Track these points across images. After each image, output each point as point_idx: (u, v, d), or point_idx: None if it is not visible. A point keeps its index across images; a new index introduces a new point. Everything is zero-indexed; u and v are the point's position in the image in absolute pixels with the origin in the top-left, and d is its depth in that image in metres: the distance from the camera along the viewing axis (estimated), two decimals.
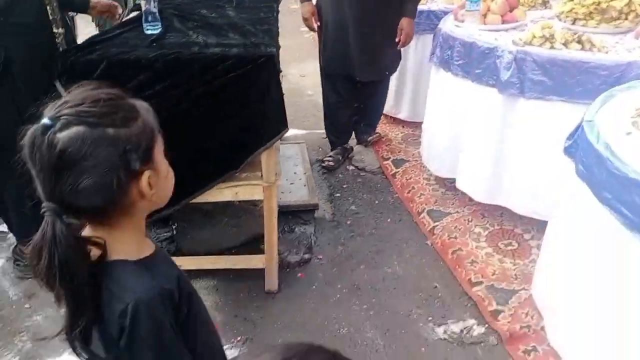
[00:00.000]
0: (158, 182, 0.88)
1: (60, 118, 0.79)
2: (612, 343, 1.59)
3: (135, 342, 0.84)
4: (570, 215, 1.85)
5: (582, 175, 1.69)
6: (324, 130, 3.56)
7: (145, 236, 0.96)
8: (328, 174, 3.37)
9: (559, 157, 2.08)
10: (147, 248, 0.93)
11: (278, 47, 2.10)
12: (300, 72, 5.01)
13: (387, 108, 3.82)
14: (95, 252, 0.84)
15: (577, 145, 1.77)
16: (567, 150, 1.85)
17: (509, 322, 2.10)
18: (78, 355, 0.87)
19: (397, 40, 3.01)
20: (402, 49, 3.18)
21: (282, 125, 2.04)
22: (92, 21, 3.69)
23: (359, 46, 3.00)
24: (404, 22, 2.97)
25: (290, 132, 2.46)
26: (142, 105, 0.88)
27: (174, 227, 2.59)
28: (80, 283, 0.81)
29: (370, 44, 3.00)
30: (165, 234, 2.66)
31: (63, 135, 0.78)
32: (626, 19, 2.46)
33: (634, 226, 1.43)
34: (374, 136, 3.61)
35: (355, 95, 3.33)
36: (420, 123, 3.72)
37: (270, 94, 1.94)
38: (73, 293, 0.81)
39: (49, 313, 2.26)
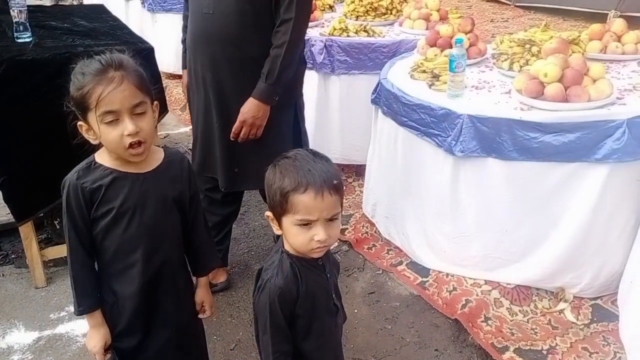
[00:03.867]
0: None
1: None
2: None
3: None
4: (380, 145, 2.69)
5: (386, 113, 2.53)
6: None
7: None
8: None
9: (364, 116, 2.96)
10: None
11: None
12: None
13: None
14: None
15: (380, 96, 2.60)
16: (373, 101, 2.68)
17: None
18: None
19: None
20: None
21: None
22: None
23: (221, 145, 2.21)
24: (245, 105, 2.08)
25: None
26: None
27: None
28: None
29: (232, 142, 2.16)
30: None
31: None
32: (391, 13, 3.47)
33: (421, 132, 2.29)
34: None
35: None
36: None
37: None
38: None
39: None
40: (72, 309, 1.55)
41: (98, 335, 1.39)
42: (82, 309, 1.37)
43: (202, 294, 1.57)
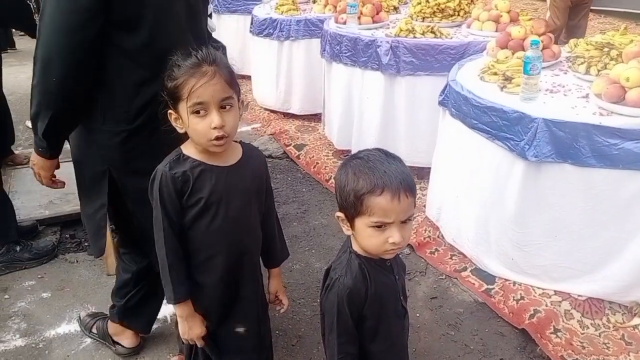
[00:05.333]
0: None
1: None
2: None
3: None
4: (447, 147, 2.64)
5: (455, 115, 2.49)
6: None
7: None
8: None
9: (429, 118, 2.92)
10: None
11: None
12: None
13: (279, 105, 4.49)
14: None
15: (448, 97, 2.57)
16: (441, 102, 2.64)
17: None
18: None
19: None
20: None
21: None
22: None
23: None
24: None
25: None
26: None
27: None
28: None
29: None
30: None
31: None
32: (459, 15, 3.41)
33: (492, 135, 2.23)
34: None
35: None
36: (310, 115, 4.45)
37: None
38: None
39: (29, 299, 2.48)
40: None
41: (198, 322, 1.44)
42: (179, 297, 1.40)
43: (276, 285, 1.61)
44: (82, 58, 1.50)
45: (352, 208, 1.19)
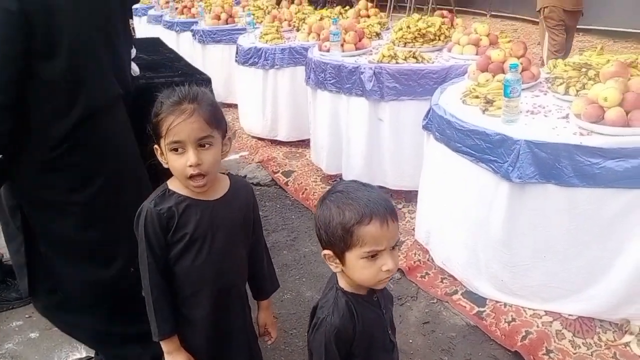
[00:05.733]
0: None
1: None
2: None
3: None
4: (433, 170, 2.67)
5: (439, 139, 2.51)
6: None
7: None
8: None
9: (414, 141, 2.95)
10: None
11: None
12: None
13: (266, 132, 4.52)
14: None
15: (431, 121, 2.60)
16: (425, 126, 2.67)
17: None
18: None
19: None
20: None
21: None
22: None
23: None
24: None
25: None
26: None
27: None
28: None
29: None
30: None
31: None
32: (439, 39, 3.47)
33: (476, 158, 2.26)
34: None
35: None
36: (298, 142, 4.47)
37: None
38: None
39: (17, 340, 2.44)
40: None
41: (184, 358, 1.42)
42: (164, 333, 1.39)
43: (264, 317, 1.60)
44: (8, 100, 1.49)
45: (342, 242, 1.18)
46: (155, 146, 1.38)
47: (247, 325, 1.55)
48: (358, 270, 1.20)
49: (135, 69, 2.03)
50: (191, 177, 1.32)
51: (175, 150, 1.31)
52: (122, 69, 1.82)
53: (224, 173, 1.51)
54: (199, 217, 1.37)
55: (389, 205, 1.19)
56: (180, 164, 1.31)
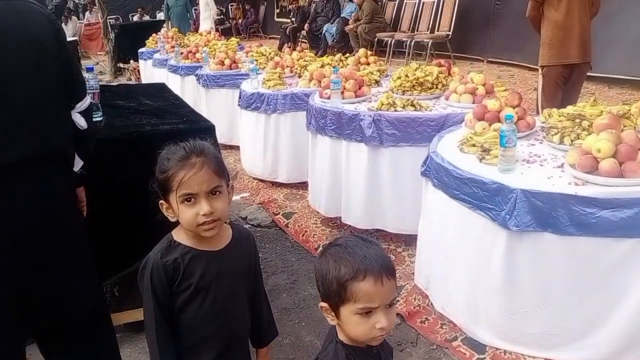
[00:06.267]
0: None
1: None
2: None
3: None
4: (431, 216, 2.71)
5: (437, 186, 2.56)
6: None
7: None
8: None
9: (413, 186, 3.00)
10: None
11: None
12: None
13: (267, 174, 4.59)
14: None
15: (430, 168, 2.65)
16: (424, 173, 2.73)
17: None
18: None
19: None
20: None
21: None
22: None
23: None
24: None
25: None
26: None
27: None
28: None
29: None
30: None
31: None
32: (437, 87, 3.57)
33: (473, 205, 2.31)
34: None
35: None
36: (298, 183, 4.52)
37: None
38: None
39: None
40: None
41: None
42: None
43: None
44: None
45: (336, 296, 1.19)
46: (161, 202, 1.43)
47: None
48: (352, 325, 1.20)
49: (80, 122, 1.82)
50: (204, 223, 1.37)
51: (188, 200, 1.37)
52: (44, 124, 1.65)
53: (226, 222, 1.55)
54: (204, 267, 1.41)
55: (386, 262, 1.20)
56: (192, 213, 1.37)
